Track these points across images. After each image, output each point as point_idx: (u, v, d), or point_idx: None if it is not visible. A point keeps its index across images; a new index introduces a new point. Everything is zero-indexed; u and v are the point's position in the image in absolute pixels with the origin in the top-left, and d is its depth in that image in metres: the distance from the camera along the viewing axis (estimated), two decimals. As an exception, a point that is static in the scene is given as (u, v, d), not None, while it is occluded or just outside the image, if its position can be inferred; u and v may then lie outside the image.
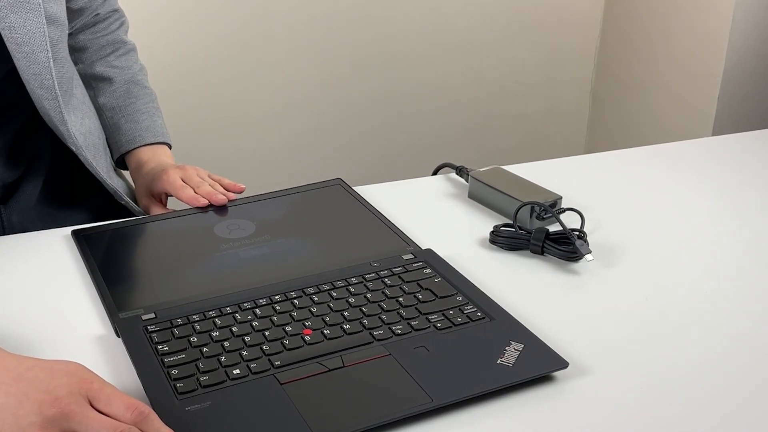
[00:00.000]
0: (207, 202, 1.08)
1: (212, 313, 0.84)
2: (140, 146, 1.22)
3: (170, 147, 1.25)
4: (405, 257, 0.95)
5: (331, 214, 1.08)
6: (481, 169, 1.14)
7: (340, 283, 0.89)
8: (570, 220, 1.02)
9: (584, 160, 1.34)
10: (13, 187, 1.12)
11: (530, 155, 2.20)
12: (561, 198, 1.07)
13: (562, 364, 0.77)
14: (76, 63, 1.24)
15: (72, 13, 1.20)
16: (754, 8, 1.90)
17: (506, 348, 0.79)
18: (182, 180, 1.13)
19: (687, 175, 1.23)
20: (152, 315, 0.84)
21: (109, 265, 0.95)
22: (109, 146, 1.23)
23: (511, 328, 0.82)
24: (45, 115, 1.04)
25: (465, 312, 0.84)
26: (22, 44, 0.97)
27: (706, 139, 1.42)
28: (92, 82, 1.25)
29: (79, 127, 1.09)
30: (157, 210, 1.17)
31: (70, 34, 1.22)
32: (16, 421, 0.65)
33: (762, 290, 0.94)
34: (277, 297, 0.87)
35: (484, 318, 0.84)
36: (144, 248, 1.02)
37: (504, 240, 1.00)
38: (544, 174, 1.17)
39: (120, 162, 1.25)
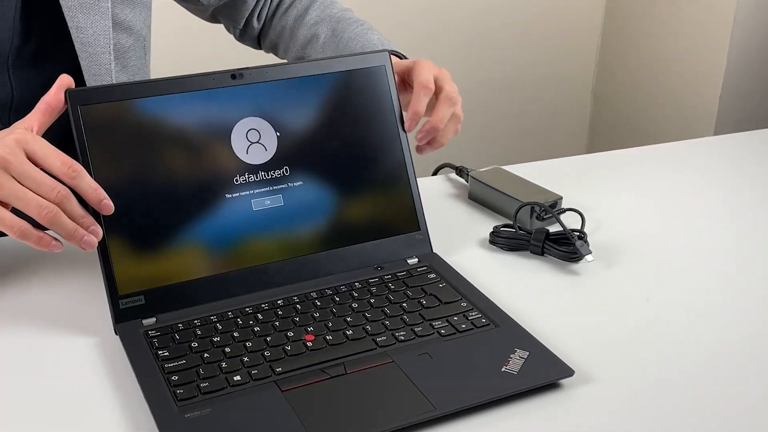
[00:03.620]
0: (423, 144, 0.97)
1: (213, 318, 0.83)
2: None
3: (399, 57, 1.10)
4: (410, 261, 0.94)
5: (364, 131, 0.95)
6: (482, 169, 1.14)
7: (343, 288, 0.88)
8: (570, 221, 1.02)
9: (585, 160, 1.33)
10: None
11: (531, 155, 2.20)
12: (561, 198, 1.07)
13: (568, 372, 0.76)
14: (285, 50, 1.21)
15: (242, 5, 1.19)
16: (755, 7, 1.90)
17: (511, 355, 0.78)
18: (434, 80, 0.98)
19: (688, 174, 1.23)
20: (153, 320, 0.83)
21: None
22: None
23: (516, 335, 0.81)
24: None
25: (469, 318, 0.84)
26: (87, 44, 1.00)
27: (707, 139, 1.42)
28: (303, 51, 1.18)
29: None
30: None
31: (262, 30, 1.22)
32: None
33: (765, 289, 0.94)
34: (279, 302, 0.86)
35: (488, 324, 0.83)
36: (147, 162, 0.86)
37: (504, 240, 1.00)
38: (545, 174, 1.17)
39: None
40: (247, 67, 0.90)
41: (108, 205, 0.80)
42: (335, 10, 1.18)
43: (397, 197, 0.95)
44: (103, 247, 0.82)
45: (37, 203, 0.77)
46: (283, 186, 0.90)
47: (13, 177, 0.77)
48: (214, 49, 1.86)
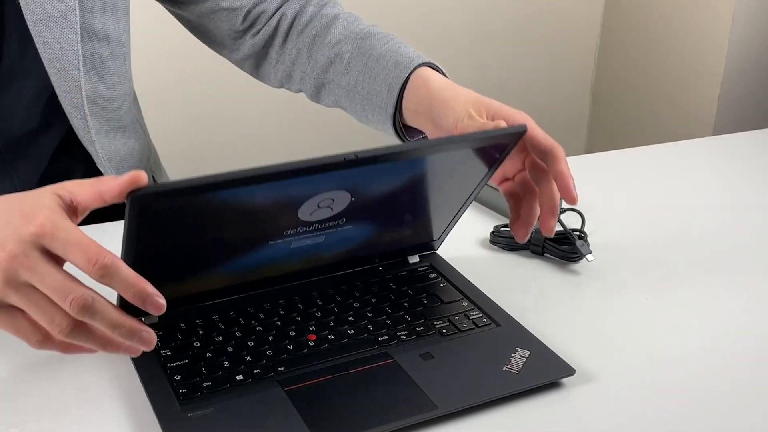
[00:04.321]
0: (525, 236, 0.83)
1: (215, 317, 0.83)
2: (402, 86, 0.96)
3: (441, 72, 0.98)
4: (411, 261, 0.94)
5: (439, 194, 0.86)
6: (482, 169, 1.14)
7: (344, 287, 0.88)
8: (570, 221, 1.02)
9: (584, 160, 1.33)
10: None
11: (529, 153, 2.19)
12: (561, 198, 1.07)
13: (569, 371, 0.77)
14: (303, 77, 1.07)
15: (223, 15, 1.08)
16: (754, 8, 1.90)
17: (512, 355, 0.78)
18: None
19: (687, 174, 1.23)
20: (155, 320, 0.83)
21: (146, 248, 0.70)
22: (378, 118, 0.99)
23: (517, 335, 0.82)
24: (77, 132, 1.03)
25: (471, 318, 0.84)
26: (54, 60, 0.97)
27: (706, 139, 1.42)
28: (325, 75, 1.04)
29: (121, 147, 1.08)
30: None
31: (269, 56, 1.09)
32: None
33: (764, 289, 0.94)
34: (281, 301, 0.86)
35: (489, 324, 0.83)
36: (200, 239, 0.75)
37: (504, 240, 1.00)
38: (545, 174, 1.17)
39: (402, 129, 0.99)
40: (358, 155, 0.70)
41: (158, 305, 0.64)
42: (361, 26, 1.04)
43: (439, 226, 0.92)
44: None
45: (48, 318, 0.64)
46: (332, 231, 0.81)
47: (27, 280, 0.64)
48: (202, 51, 1.87)
